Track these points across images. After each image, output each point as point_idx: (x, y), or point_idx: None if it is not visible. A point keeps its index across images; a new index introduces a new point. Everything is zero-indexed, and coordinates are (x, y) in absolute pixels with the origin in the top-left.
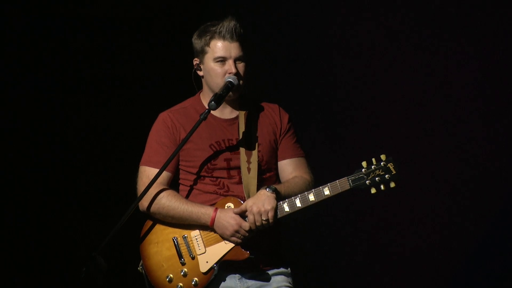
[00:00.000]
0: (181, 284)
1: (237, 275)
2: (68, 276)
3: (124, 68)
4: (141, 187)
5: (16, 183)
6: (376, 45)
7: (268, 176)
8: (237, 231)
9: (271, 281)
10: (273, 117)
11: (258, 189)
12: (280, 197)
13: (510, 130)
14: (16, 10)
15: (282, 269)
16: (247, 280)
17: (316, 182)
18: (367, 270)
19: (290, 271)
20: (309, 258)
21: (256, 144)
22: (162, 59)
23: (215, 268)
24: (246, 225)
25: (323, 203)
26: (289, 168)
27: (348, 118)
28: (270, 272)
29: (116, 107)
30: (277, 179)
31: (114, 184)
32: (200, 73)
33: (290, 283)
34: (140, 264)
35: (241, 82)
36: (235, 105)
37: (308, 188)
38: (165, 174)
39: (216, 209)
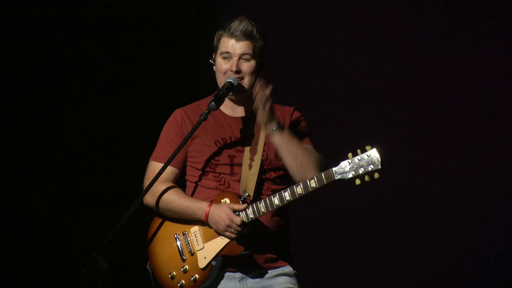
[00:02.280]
0: (183, 281)
1: (237, 274)
2: (68, 276)
3: (126, 68)
4: (146, 181)
5: (17, 183)
6: (367, 39)
7: (273, 177)
8: (229, 226)
9: (273, 282)
10: (284, 118)
11: (257, 186)
12: (283, 133)
13: (505, 124)
14: (17, 10)
15: (285, 269)
16: (248, 281)
17: None
18: (368, 270)
19: (294, 271)
20: (312, 258)
21: (262, 143)
22: (169, 59)
23: (213, 264)
24: (237, 219)
25: (331, 207)
26: None
27: (335, 109)
28: (273, 272)
29: (119, 107)
30: (284, 182)
31: (115, 184)
32: (214, 68)
33: (294, 284)
34: (148, 263)
35: (243, 81)
36: (248, 106)
37: (318, 162)
38: (170, 170)
39: (211, 204)
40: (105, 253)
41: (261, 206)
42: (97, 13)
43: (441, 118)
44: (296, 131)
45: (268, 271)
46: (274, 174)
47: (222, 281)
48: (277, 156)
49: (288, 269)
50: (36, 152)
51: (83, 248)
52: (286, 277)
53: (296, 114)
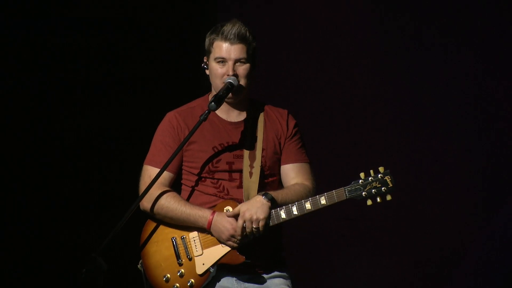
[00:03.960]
0: (177, 284)
1: (234, 278)
2: (68, 277)
3: (125, 68)
4: (142, 186)
5: (17, 183)
6: (377, 52)
7: (270, 181)
8: (232, 236)
9: (268, 283)
10: (280, 122)
11: (258, 193)
12: (275, 205)
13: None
14: (17, 10)
15: (280, 273)
16: (244, 283)
17: (318, 191)
18: (364, 272)
19: (288, 275)
20: (309, 260)
21: (260, 148)
22: (166, 59)
23: (211, 270)
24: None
25: (330, 208)
26: (292, 173)
27: (348, 127)
28: (268, 275)
29: (118, 108)
30: (279, 184)
31: (115, 185)
32: (207, 72)
33: (288, 286)
34: (139, 262)
35: (240, 83)
36: (243, 109)
37: (309, 196)
38: (166, 175)
39: (214, 212)
40: (105, 253)
41: None
42: (97, 13)
43: (440, 119)
44: (291, 144)
45: (263, 275)
46: (271, 179)
47: (218, 283)
48: (274, 162)
49: (282, 273)
50: (35, 153)
51: (83, 248)
52: (281, 279)
53: (292, 121)
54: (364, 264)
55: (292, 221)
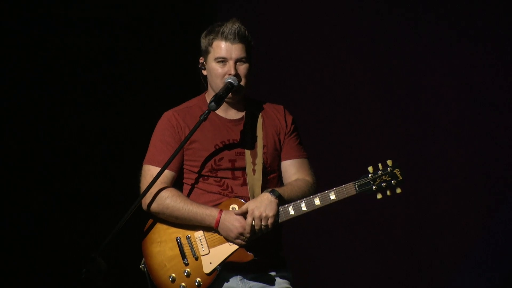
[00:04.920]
0: (184, 284)
1: (238, 276)
2: (68, 277)
3: (125, 68)
4: (144, 186)
5: (17, 183)
6: (381, 47)
7: (271, 177)
8: (241, 234)
9: (273, 282)
10: (278, 118)
11: (262, 190)
12: (283, 202)
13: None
14: (17, 10)
15: (282, 271)
16: (249, 281)
17: (323, 186)
18: (363, 272)
19: (289, 274)
20: (308, 260)
21: (261, 145)
22: (164, 59)
23: (219, 269)
24: (250, 228)
25: (328, 207)
26: (292, 169)
27: (355, 122)
28: (272, 273)
29: (118, 107)
30: (279, 180)
31: (115, 185)
32: (205, 72)
33: (290, 285)
34: (142, 262)
35: (241, 83)
36: (240, 107)
37: (311, 191)
38: (168, 174)
39: (221, 211)
40: (105, 253)
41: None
42: (97, 13)
43: (440, 118)
44: (291, 139)
45: (268, 273)
46: (272, 176)
47: (226, 283)
48: (274, 158)
49: (283, 271)
50: (36, 153)
51: (83, 248)
52: (284, 279)
53: (289, 117)
54: (363, 263)
55: (293, 219)
